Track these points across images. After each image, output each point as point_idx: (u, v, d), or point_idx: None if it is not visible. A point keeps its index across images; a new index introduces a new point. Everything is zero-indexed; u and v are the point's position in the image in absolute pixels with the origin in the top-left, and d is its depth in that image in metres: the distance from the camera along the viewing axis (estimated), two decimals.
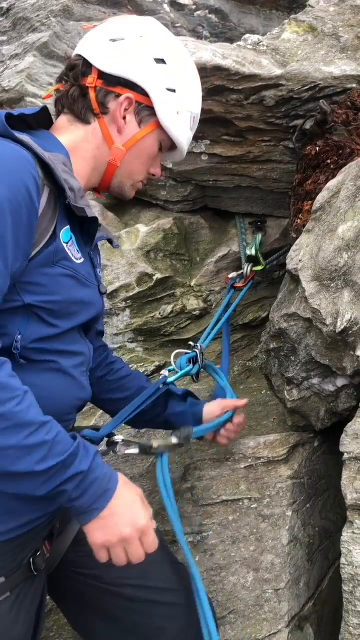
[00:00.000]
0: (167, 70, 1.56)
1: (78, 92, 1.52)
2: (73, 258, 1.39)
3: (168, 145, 1.66)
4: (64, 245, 1.37)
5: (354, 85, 2.26)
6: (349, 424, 1.71)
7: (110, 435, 1.64)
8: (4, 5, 3.59)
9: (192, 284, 2.67)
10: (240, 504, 1.98)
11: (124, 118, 1.54)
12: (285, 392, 2.05)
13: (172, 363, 2.00)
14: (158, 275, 2.54)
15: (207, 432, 1.83)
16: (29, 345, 1.30)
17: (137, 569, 1.52)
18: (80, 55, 1.55)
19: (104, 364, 1.86)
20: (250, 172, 2.56)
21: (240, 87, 2.27)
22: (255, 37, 2.45)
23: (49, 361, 1.36)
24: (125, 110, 1.54)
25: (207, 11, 4.43)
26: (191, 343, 2.12)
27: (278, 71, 2.26)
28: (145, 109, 1.56)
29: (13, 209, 1.19)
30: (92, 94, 1.52)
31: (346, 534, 1.63)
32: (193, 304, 2.65)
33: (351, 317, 1.67)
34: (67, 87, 1.54)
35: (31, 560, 1.38)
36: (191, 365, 2.01)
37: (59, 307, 1.36)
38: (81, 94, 1.52)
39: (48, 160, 1.31)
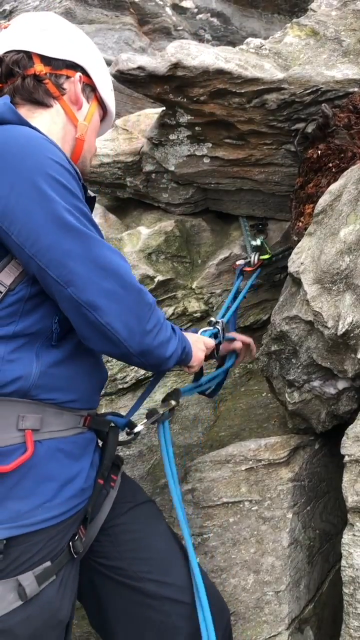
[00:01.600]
0: (90, 50, 1.68)
1: (33, 81, 1.56)
2: None
3: (100, 117, 1.77)
4: None
5: (356, 89, 2.26)
6: (350, 426, 1.72)
7: (132, 426, 1.71)
8: (7, 7, 3.61)
9: (194, 286, 2.67)
10: (241, 506, 1.98)
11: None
12: (286, 395, 2.05)
13: None
14: (159, 278, 2.54)
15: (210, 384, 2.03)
16: (65, 326, 1.39)
17: (159, 565, 1.57)
18: (16, 50, 1.57)
19: None
20: (252, 175, 2.56)
21: (243, 91, 2.28)
22: (257, 41, 2.46)
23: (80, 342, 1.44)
24: None
25: (208, 14, 4.44)
26: (212, 319, 2.13)
27: (280, 75, 2.27)
28: (87, 86, 1.67)
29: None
30: (47, 80, 1.57)
31: (347, 537, 1.64)
32: (194, 306, 2.65)
33: (352, 320, 1.68)
34: (17, 81, 1.57)
35: (70, 544, 1.44)
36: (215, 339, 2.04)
37: None
38: (36, 82, 1.56)
39: (59, 146, 1.41)
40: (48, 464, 1.38)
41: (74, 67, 1.62)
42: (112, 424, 1.65)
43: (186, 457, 2.22)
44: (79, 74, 1.62)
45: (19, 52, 1.57)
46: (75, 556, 1.45)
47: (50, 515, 1.37)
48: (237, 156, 2.50)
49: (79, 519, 1.48)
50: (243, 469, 2.02)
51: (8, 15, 3.66)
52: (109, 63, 2.01)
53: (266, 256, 2.54)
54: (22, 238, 1.27)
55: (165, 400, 1.79)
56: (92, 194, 1.58)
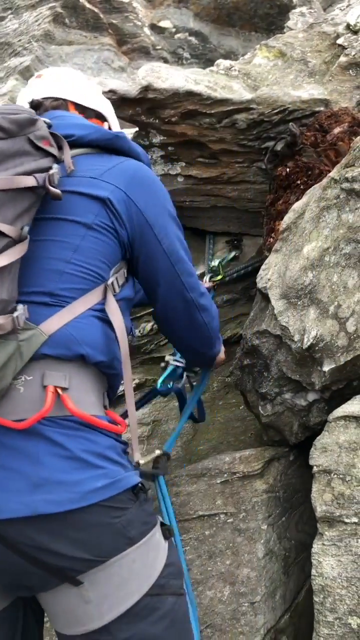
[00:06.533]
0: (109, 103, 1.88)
1: None
2: None
3: None
4: None
5: (322, 108, 2.33)
6: (318, 437, 1.75)
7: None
8: None
9: None
10: (217, 518, 2.01)
11: None
12: (260, 407, 2.09)
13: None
14: None
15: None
16: None
17: None
18: (53, 97, 1.72)
19: None
20: (225, 192, 2.62)
21: (213, 111, 2.34)
22: (227, 62, 2.53)
23: None
24: None
25: (186, 34, 4.52)
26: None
27: (249, 95, 2.34)
28: None
29: None
30: None
31: (316, 546, 1.67)
32: None
33: (317, 334, 1.73)
34: None
35: None
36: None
37: None
38: None
39: None
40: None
41: (102, 117, 1.79)
42: None
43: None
44: (107, 124, 1.80)
45: (56, 99, 1.72)
46: None
47: None
48: (210, 174, 2.56)
49: None
50: (218, 482, 2.05)
51: None
52: None
53: (218, 278, 2.59)
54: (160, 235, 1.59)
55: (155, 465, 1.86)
56: None
